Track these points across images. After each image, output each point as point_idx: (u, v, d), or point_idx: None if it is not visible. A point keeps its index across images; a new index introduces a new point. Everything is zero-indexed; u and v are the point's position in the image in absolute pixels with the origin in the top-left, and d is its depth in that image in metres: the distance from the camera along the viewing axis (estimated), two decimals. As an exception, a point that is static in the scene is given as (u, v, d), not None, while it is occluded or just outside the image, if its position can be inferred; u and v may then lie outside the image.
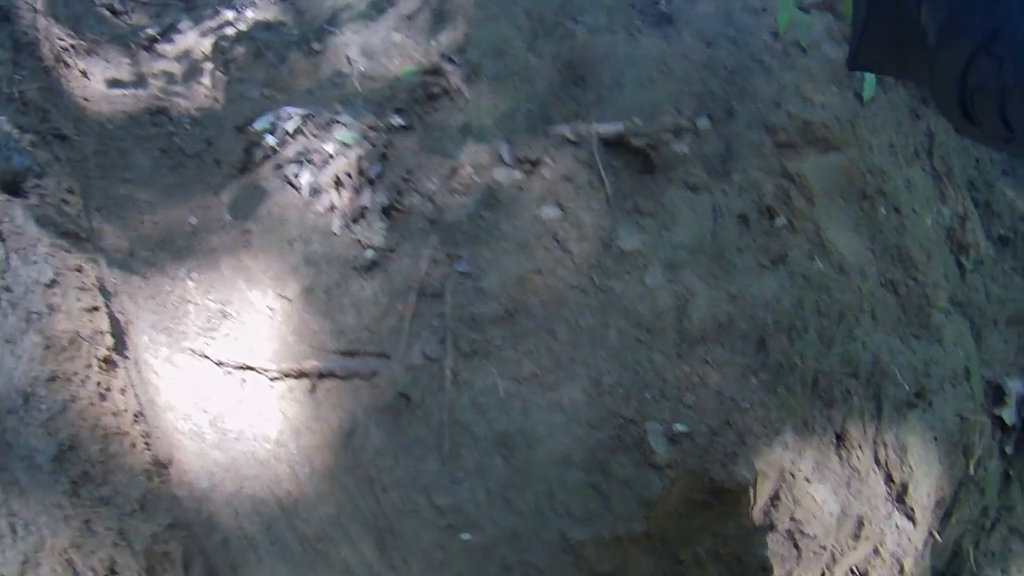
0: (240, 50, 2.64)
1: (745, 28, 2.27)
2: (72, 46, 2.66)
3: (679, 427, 1.78)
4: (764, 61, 2.10)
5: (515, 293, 1.85)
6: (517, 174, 1.97)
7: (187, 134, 2.60)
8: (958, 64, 0.65)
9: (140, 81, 2.84)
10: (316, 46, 2.56)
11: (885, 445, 1.98)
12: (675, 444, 1.78)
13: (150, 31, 2.92)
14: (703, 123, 2.02)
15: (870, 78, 2.10)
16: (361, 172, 2.07)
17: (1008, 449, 2.25)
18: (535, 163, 1.97)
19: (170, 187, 2.52)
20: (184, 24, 2.94)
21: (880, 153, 2.12)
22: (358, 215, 2.06)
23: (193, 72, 2.76)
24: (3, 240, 1.79)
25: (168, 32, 2.93)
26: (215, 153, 2.51)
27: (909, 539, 2.05)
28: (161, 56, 2.90)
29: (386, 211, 2.03)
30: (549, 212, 1.91)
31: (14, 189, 1.81)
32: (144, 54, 2.90)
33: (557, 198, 1.93)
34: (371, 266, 2.00)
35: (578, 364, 1.81)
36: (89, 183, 2.39)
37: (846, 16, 2.21)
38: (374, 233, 2.02)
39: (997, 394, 2.26)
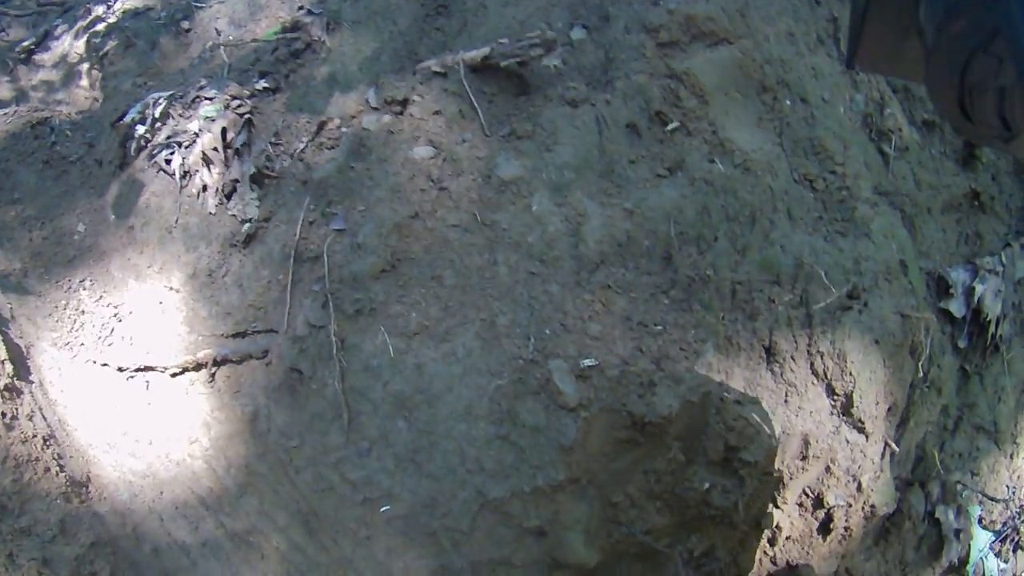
0: (112, 43, 2.50)
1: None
2: (-54, 75, 2.55)
3: (586, 361, 1.64)
4: (634, -44, 1.93)
5: (394, 243, 1.71)
6: (386, 117, 1.82)
7: (68, 140, 2.48)
8: (956, 63, 0.65)
9: (21, 96, 2.73)
10: (185, 24, 2.42)
11: (821, 354, 1.82)
12: (584, 380, 1.64)
13: (25, 43, 2.79)
14: (577, 33, 1.85)
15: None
16: (227, 144, 1.94)
17: (961, 343, 2.06)
18: (403, 103, 1.82)
19: (56, 198, 2.41)
20: (59, 29, 2.81)
21: (778, 42, 1.93)
22: (231, 190, 1.93)
23: (71, 76, 2.64)
24: None
25: (44, 40, 2.80)
26: (95, 154, 2.39)
27: (863, 452, 1.89)
28: (39, 66, 2.77)
29: (257, 180, 1.90)
30: (422, 151, 1.76)
31: None
32: (22, 68, 2.77)
33: (429, 135, 1.78)
34: (248, 239, 1.87)
35: (469, 308, 1.67)
36: (-25, 212, 2.30)
37: None
38: (248, 205, 1.89)
39: (941, 286, 2.07)
